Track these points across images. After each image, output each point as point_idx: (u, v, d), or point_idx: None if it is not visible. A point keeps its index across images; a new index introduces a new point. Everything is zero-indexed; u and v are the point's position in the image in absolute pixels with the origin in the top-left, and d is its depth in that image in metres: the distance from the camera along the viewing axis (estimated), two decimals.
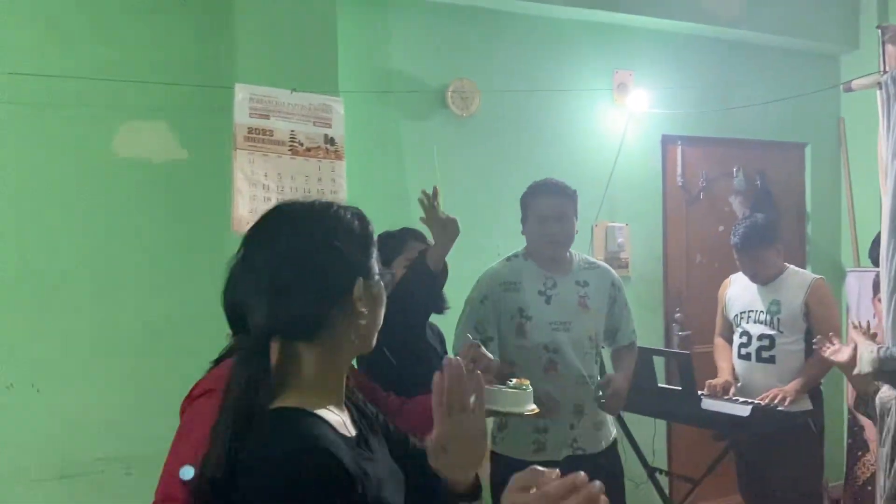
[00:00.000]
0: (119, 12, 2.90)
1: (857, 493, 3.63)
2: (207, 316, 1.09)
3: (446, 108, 3.51)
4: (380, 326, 1.12)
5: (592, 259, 2.73)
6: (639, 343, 3.52)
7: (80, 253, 2.84)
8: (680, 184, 4.20)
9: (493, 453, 2.56)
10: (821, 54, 4.46)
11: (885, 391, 2.44)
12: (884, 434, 2.42)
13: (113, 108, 2.83)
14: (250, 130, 2.70)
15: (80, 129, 2.83)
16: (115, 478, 2.80)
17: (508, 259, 2.61)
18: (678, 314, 4.17)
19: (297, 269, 1.01)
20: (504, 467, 2.49)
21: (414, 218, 3.18)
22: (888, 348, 2.37)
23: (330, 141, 2.85)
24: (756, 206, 4.29)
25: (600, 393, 2.51)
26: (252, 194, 2.65)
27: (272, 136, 2.74)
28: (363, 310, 1.06)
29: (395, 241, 2.39)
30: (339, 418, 1.05)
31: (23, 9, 2.78)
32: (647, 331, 4.04)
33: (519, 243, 2.66)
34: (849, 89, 3.02)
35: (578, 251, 2.73)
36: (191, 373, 1.43)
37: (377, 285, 1.10)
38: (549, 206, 2.50)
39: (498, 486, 2.50)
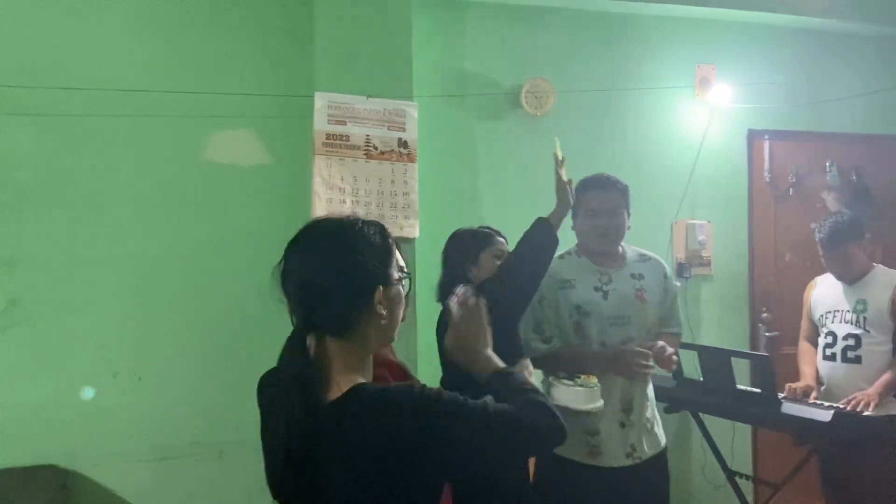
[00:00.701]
0: (211, 31, 3.12)
1: None
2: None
3: (520, 107, 3.55)
4: (399, 323, 1.30)
5: (644, 251, 2.66)
6: (719, 343, 3.48)
7: (179, 251, 3.07)
8: (767, 180, 4.06)
9: None
10: None
11: None
12: None
13: (206, 118, 3.04)
14: (328, 136, 2.84)
15: (177, 138, 3.05)
16: (207, 461, 3.02)
17: (562, 256, 2.56)
18: (765, 314, 4.04)
19: (328, 280, 1.20)
20: (556, 468, 2.44)
21: (485, 217, 3.27)
22: None
23: (403, 144, 2.95)
24: (852, 202, 4.09)
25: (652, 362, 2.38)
26: (329, 197, 2.79)
27: (348, 140, 2.87)
28: (383, 312, 1.24)
29: (482, 236, 2.56)
30: None
31: (125, 32, 3.04)
32: (730, 331, 3.95)
33: None
34: None
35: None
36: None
37: (396, 289, 1.27)
38: (599, 200, 2.49)
39: (547, 486, 2.51)
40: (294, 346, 1.20)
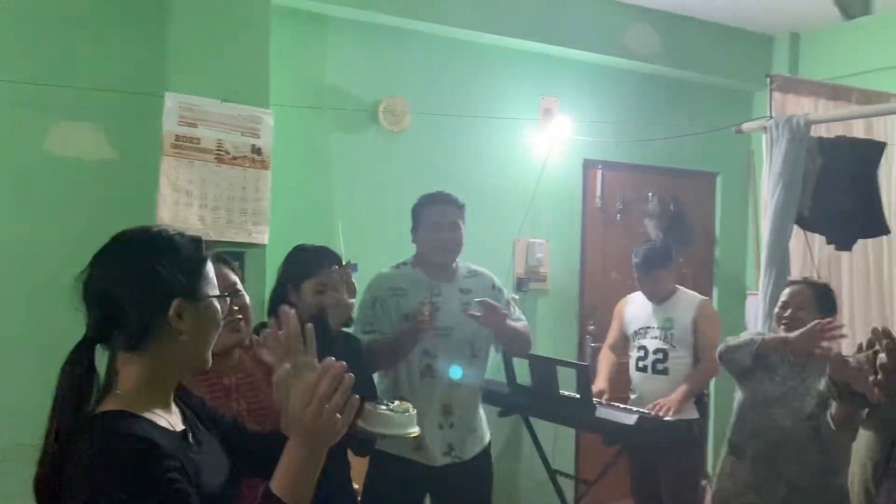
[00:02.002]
0: (57, 20, 3.00)
1: None
2: None
3: (377, 123, 3.69)
4: (211, 347, 1.22)
5: (474, 267, 2.85)
6: (552, 353, 3.77)
7: (14, 247, 2.94)
8: (599, 205, 4.46)
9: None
10: (735, 90, 4.76)
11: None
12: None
13: (49, 111, 2.94)
14: (177, 138, 2.84)
15: (16, 130, 2.93)
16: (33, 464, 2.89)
17: (397, 266, 2.75)
18: (592, 327, 4.42)
19: (122, 287, 1.14)
20: (381, 463, 2.62)
21: (337, 227, 3.37)
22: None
23: (257, 151, 3.00)
24: (669, 229, 4.57)
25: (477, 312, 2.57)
26: (175, 199, 2.79)
27: (199, 143, 2.88)
28: (181, 328, 1.15)
29: (310, 260, 2.32)
30: (164, 419, 1.17)
31: None
32: (561, 341, 4.29)
33: None
34: (739, 131, 3.32)
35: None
36: None
37: (204, 306, 1.19)
38: (441, 215, 2.68)
39: (378, 481, 2.64)
40: (77, 355, 1.13)
